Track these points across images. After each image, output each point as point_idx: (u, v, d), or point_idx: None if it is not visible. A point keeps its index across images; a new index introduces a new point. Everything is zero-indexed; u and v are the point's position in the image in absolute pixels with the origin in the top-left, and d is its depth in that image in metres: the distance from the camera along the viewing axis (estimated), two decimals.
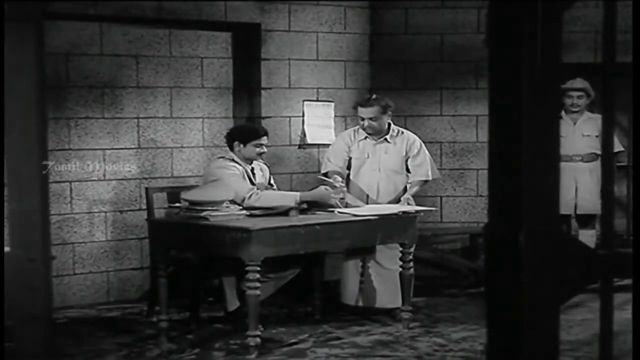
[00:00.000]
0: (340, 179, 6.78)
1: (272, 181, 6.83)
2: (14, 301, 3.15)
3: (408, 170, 7.10)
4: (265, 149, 6.60)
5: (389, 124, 7.08)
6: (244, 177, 6.46)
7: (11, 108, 3.05)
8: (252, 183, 6.51)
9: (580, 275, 1.93)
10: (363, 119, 6.97)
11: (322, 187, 6.59)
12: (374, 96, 7.10)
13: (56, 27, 7.25)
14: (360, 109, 7.00)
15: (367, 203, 6.94)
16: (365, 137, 7.06)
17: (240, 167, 6.47)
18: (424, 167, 7.07)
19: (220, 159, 6.60)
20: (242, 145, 6.52)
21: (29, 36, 3.01)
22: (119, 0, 7.37)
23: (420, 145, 7.10)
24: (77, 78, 7.48)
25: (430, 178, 7.14)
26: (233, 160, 6.50)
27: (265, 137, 6.59)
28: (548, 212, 1.90)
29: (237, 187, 6.30)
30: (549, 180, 1.90)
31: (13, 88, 3.04)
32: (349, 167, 7.10)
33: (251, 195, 6.29)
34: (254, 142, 6.52)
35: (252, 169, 6.61)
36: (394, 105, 7.08)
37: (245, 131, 6.66)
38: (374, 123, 6.95)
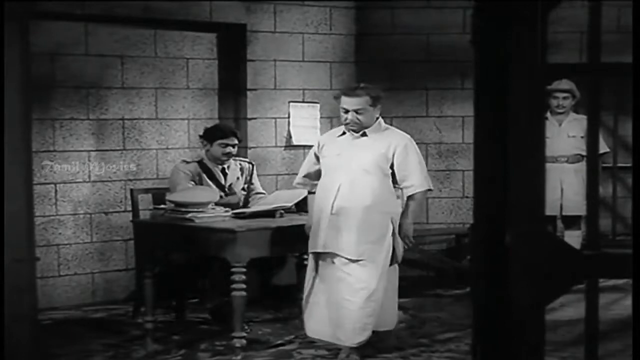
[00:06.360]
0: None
1: (253, 180, 6.79)
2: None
3: (395, 182, 5.73)
4: (231, 149, 6.54)
5: (378, 119, 5.78)
6: (196, 178, 6.44)
7: None
8: (219, 184, 6.50)
9: (565, 275, 1.93)
10: (347, 111, 5.63)
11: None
12: (361, 85, 5.84)
13: (41, 26, 7.22)
14: (344, 98, 5.66)
15: (331, 213, 5.61)
16: (343, 133, 5.77)
17: (192, 168, 6.46)
18: (413, 175, 5.68)
19: (178, 163, 6.69)
20: (209, 145, 6.53)
21: (14, 36, 2.99)
22: (105, 0, 7.35)
23: (406, 147, 5.72)
24: (62, 78, 7.45)
25: (424, 188, 5.73)
26: (198, 161, 6.54)
27: (232, 137, 6.54)
28: (534, 213, 1.90)
29: (176, 188, 6.34)
30: (534, 181, 1.90)
31: None
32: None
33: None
34: (219, 142, 6.51)
35: (224, 169, 6.59)
36: (384, 96, 5.82)
37: (212, 130, 6.65)
38: (359, 117, 5.63)
